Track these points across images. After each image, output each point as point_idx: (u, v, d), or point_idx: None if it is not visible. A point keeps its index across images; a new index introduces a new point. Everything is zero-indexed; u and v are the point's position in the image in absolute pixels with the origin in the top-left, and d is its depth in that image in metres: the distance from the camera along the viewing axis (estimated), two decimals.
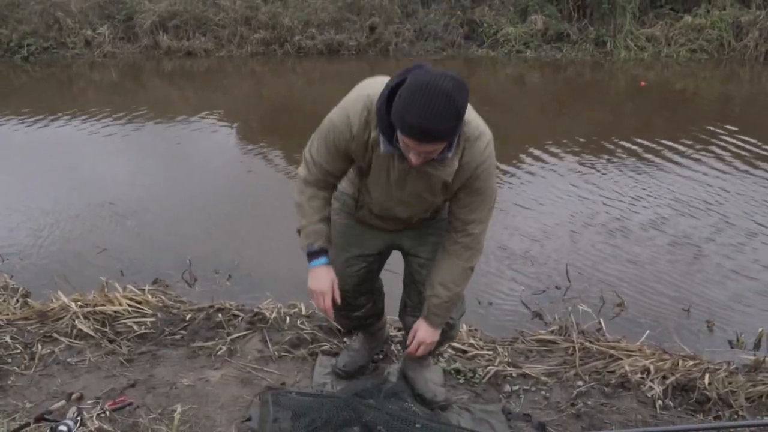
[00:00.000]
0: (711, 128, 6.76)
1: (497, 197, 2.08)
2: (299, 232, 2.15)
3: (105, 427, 2.40)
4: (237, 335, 3.05)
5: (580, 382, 2.71)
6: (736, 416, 2.52)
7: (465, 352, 2.91)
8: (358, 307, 2.44)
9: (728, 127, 6.82)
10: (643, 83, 9.12)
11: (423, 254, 2.26)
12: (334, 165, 2.04)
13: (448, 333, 2.37)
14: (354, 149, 1.96)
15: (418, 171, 1.89)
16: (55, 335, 3.04)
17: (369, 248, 2.29)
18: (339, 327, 2.96)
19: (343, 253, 2.28)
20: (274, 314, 3.17)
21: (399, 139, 1.77)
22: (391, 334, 2.96)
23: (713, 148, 6.18)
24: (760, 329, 3.25)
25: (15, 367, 2.81)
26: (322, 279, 2.11)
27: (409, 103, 1.64)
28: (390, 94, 1.76)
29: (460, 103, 1.65)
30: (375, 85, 1.88)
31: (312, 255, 2.13)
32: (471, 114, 1.87)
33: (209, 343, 2.99)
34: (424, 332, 2.19)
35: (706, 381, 2.64)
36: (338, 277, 2.17)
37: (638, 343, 3.02)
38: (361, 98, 1.90)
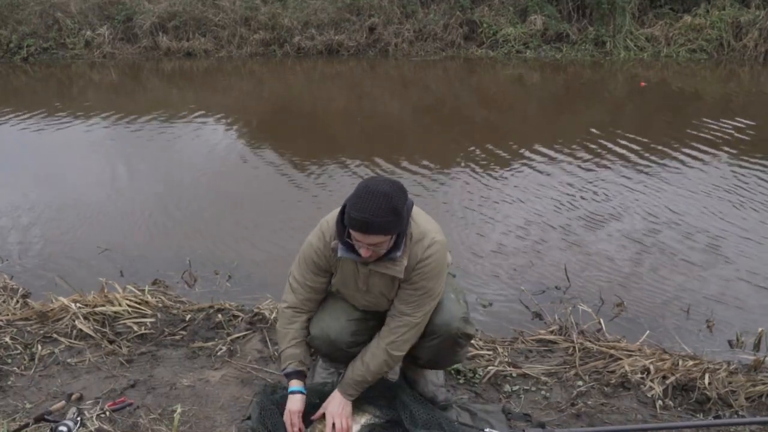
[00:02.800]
0: (711, 129, 6.77)
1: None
2: (279, 355, 2.40)
3: (105, 427, 2.40)
4: (237, 335, 3.05)
5: (580, 382, 2.72)
6: (736, 416, 2.52)
7: None
8: (350, 355, 2.44)
9: (728, 128, 6.83)
10: (643, 84, 9.12)
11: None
12: (317, 280, 2.32)
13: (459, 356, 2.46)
14: (331, 260, 2.26)
15: (376, 273, 2.19)
16: (55, 336, 3.04)
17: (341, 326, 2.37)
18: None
19: (340, 307, 2.39)
20: (274, 314, 3.17)
21: (351, 235, 2.07)
22: None
23: (715, 148, 6.18)
24: (760, 329, 3.24)
25: (15, 368, 2.81)
26: (293, 406, 2.28)
27: (354, 202, 2.02)
28: (344, 207, 2.11)
29: (396, 202, 2.00)
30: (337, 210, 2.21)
31: (288, 377, 2.33)
32: (422, 220, 2.21)
33: (209, 344, 2.99)
34: (335, 405, 2.30)
35: (706, 381, 2.64)
36: (336, 326, 2.34)
37: (638, 343, 3.02)
38: (332, 217, 2.23)
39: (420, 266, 2.16)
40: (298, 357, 2.33)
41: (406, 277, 2.20)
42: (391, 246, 2.11)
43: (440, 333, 2.28)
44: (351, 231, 2.06)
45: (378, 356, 2.25)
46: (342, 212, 2.12)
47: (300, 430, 2.28)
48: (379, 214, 1.98)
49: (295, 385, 2.30)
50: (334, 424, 2.26)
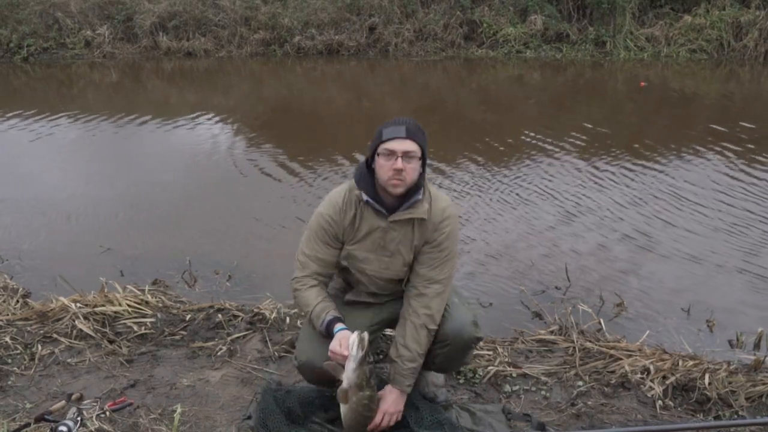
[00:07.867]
0: (711, 128, 6.77)
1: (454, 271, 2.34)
2: (311, 322, 2.33)
3: (105, 427, 2.40)
4: (237, 335, 3.05)
5: (580, 382, 2.72)
6: (736, 416, 2.52)
7: None
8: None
9: (725, 129, 6.83)
10: (643, 84, 9.12)
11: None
12: (327, 252, 2.33)
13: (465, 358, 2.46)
14: (344, 227, 2.29)
15: (395, 225, 2.25)
16: (55, 336, 3.04)
17: (357, 326, 2.30)
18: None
19: None
20: (274, 314, 3.18)
21: (381, 157, 2.17)
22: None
23: (715, 148, 6.18)
24: (760, 329, 3.25)
25: (15, 368, 2.81)
26: (337, 339, 2.19)
27: (387, 124, 2.20)
28: (367, 161, 2.28)
29: (421, 127, 2.22)
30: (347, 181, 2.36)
31: (329, 326, 2.24)
32: (438, 191, 2.35)
33: (209, 344, 2.99)
34: (390, 402, 2.27)
35: (706, 381, 2.64)
36: (321, 351, 2.25)
37: (638, 343, 3.02)
38: (342, 187, 2.34)
39: (442, 226, 2.26)
40: (331, 306, 2.28)
41: (428, 237, 2.26)
42: (415, 179, 2.19)
43: (451, 340, 2.30)
44: (386, 145, 2.15)
45: (421, 338, 2.26)
46: (367, 165, 2.26)
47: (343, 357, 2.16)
48: (412, 124, 2.18)
49: (338, 326, 2.22)
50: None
